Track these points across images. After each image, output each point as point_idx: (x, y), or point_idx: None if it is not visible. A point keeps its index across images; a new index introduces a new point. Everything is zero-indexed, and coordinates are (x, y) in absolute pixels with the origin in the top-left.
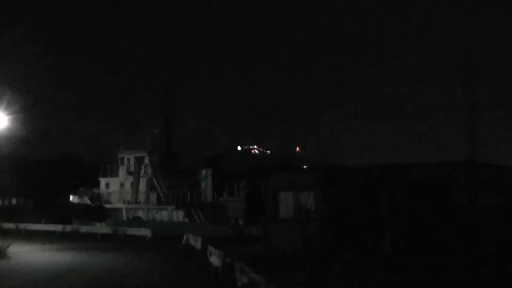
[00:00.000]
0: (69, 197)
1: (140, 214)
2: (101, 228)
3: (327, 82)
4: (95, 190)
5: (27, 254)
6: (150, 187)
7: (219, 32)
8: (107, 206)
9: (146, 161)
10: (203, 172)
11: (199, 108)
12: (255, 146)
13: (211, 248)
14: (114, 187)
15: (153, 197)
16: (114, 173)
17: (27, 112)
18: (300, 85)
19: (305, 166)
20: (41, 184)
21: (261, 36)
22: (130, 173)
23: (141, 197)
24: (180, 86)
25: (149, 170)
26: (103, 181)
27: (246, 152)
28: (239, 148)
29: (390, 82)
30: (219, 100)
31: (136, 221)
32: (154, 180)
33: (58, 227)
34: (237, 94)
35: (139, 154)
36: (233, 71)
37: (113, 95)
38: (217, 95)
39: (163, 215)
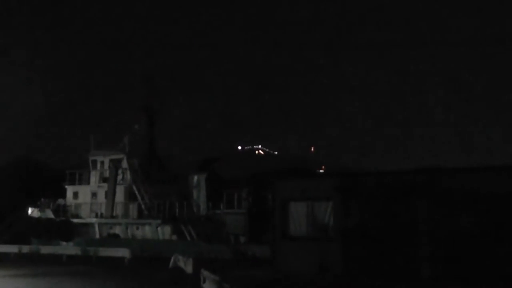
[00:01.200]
0: (27, 210)
1: (117, 230)
2: (67, 248)
3: (343, 79)
4: (60, 201)
5: None
6: (130, 197)
7: (221, 21)
8: (76, 221)
9: (124, 164)
10: (195, 178)
11: (191, 102)
12: (260, 146)
13: (205, 273)
14: (84, 197)
15: (133, 209)
16: (84, 180)
17: None
18: (314, 78)
19: (321, 171)
20: None
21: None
22: (104, 179)
23: (118, 210)
24: (168, 75)
25: (128, 175)
26: (70, 190)
27: (249, 153)
28: (239, 148)
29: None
30: (216, 92)
31: (112, 240)
32: (134, 188)
33: (12, 248)
34: (238, 84)
35: (115, 156)
36: (233, 57)
37: (86, 90)
38: (214, 86)
39: (146, 231)
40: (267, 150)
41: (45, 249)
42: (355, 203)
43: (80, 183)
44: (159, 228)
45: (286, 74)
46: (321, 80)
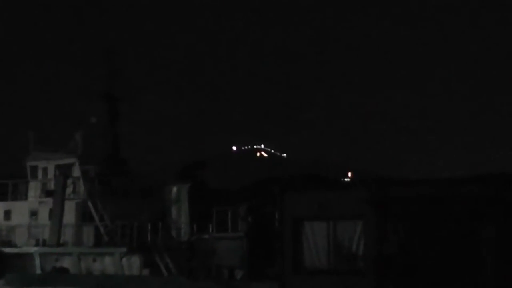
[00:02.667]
0: None
1: (66, 263)
2: None
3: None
4: None
5: None
6: (83, 217)
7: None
8: (8, 250)
9: (76, 172)
10: (174, 190)
11: (167, 90)
12: (262, 146)
13: None
14: (20, 218)
15: (89, 234)
16: (19, 194)
17: None
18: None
19: (347, 179)
20: None
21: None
22: (48, 193)
23: (68, 235)
24: (139, 57)
25: (81, 187)
26: (0, 208)
27: (247, 155)
28: (234, 149)
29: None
30: (202, 79)
31: (59, 276)
32: (90, 204)
33: None
34: (232, 68)
35: (63, 161)
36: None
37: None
38: (199, 71)
39: (106, 264)
40: (272, 151)
41: None
42: (394, 223)
43: (14, 199)
44: (124, 260)
45: (297, 56)
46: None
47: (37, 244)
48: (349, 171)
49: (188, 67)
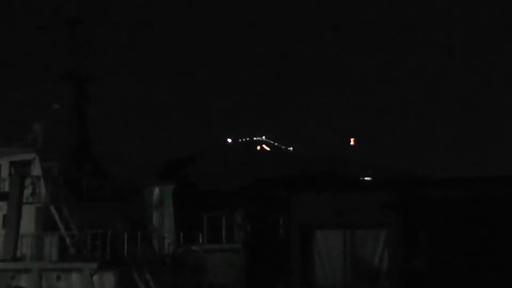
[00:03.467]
0: None
1: (24, 282)
2: None
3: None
4: None
5: None
6: (45, 225)
7: None
8: None
9: (36, 170)
10: (156, 192)
11: (150, 70)
12: (263, 138)
13: None
14: None
15: (52, 245)
16: None
17: None
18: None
19: (367, 178)
20: None
21: None
22: (1, 196)
23: (26, 247)
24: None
25: (43, 189)
26: None
27: (245, 149)
28: (229, 141)
29: None
30: (189, 57)
31: None
32: (53, 210)
33: None
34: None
35: (19, 157)
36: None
37: None
38: (187, 47)
39: (73, 282)
40: (275, 144)
41: None
42: (425, 232)
43: None
44: (95, 277)
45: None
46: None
47: None
48: (370, 169)
49: (172, 44)
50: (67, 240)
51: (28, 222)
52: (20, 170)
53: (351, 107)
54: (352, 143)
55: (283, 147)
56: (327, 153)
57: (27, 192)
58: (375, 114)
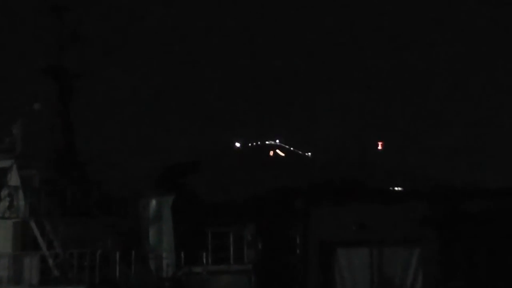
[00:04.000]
0: None
1: None
2: None
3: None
4: None
5: None
6: (25, 243)
7: None
8: None
9: (14, 179)
10: (153, 204)
11: (146, 64)
12: (277, 142)
13: None
14: None
15: (32, 266)
16: None
17: None
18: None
19: (398, 188)
20: None
21: None
22: None
23: (2, 269)
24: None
25: (21, 201)
26: None
27: (256, 154)
28: (237, 145)
29: None
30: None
31: None
32: (33, 225)
33: None
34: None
35: None
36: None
37: None
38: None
39: None
40: (291, 148)
41: None
42: (465, 250)
43: None
44: None
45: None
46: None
47: None
48: (400, 178)
49: (170, 35)
50: (50, 260)
51: (4, 240)
52: None
53: (378, 106)
54: (380, 147)
55: (300, 152)
56: (351, 159)
57: (3, 205)
58: (407, 115)
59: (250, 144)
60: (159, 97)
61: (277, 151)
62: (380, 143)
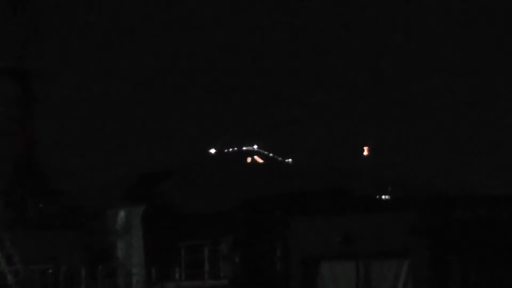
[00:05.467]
0: None
1: None
2: None
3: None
4: None
5: None
6: None
7: None
8: None
9: None
10: (121, 215)
11: (112, 66)
12: (255, 148)
13: None
14: None
15: None
16: None
17: None
18: None
19: (385, 196)
20: None
21: None
22: None
23: None
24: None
25: None
26: None
27: (233, 161)
28: (213, 152)
29: None
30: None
31: None
32: None
33: None
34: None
35: None
36: None
37: None
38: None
39: None
40: (270, 154)
41: None
42: (458, 261)
43: None
44: None
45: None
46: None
47: None
48: (388, 185)
49: (142, 32)
50: (9, 277)
51: None
52: None
53: (364, 108)
54: (365, 152)
55: (279, 158)
56: (335, 166)
57: None
58: (395, 118)
59: (226, 151)
60: (129, 101)
61: (255, 157)
62: (366, 148)
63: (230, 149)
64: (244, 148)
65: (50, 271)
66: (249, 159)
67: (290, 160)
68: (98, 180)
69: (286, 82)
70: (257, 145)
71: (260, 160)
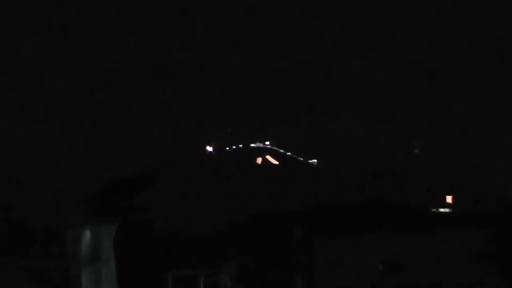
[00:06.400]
0: None
1: None
2: None
3: None
4: None
5: None
6: None
7: None
8: None
9: None
10: (87, 236)
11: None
12: (266, 144)
13: None
14: None
15: None
16: None
17: None
18: None
19: (443, 210)
20: None
21: None
22: None
23: None
24: None
25: None
26: None
27: (236, 161)
28: (209, 149)
29: None
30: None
31: None
32: None
33: None
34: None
35: None
36: None
37: None
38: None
39: None
40: (288, 153)
41: None
42: None
43: None
44: None
45: None
46: None
47: None
48: (447, 192)
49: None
50: None
51: None
52: None
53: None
54: (416, 150)
55: (300, 158)
56: (374, 168)
57: None
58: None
59: (227, 148)
60: (98, 81)
61: (268, 157)
62: (416, 146)
63: (234, 146)
64: (252, 145)
65: None
66: (259, 160)
67: (314, 161)
68: (55, 189)
69: (310, 62)
70: (270, 141)
71: (274, 161)
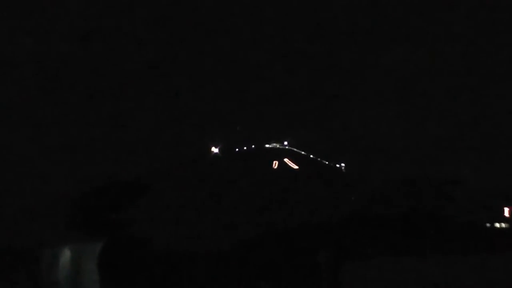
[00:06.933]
0: None
1: None
2: None
3: None
4: None
5: None
6: None
7: None
8: None
9: None
10: (66, 256)
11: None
12: (285, 144)
13: None
14: None
15: None
16: None
17: None
18: None
19: (500, 225)
20: None
21: None
22: None
23: None
24: None
25: None
26: None
27: (247, 165)
28: (215, 150)
29: None
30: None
31: None
32: None
33: None
34: None
35: None
36: None
37: None
38: None
39: None
40: (310, 156)
41: None
42: None
43: None
44: None
45: None
46: None
47: None
48: (506, 203)
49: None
50: None
51: None
52: None
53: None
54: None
55: (325, 162)
56: (414, 175)
57: None
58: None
59: (237, 150)
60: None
61: (286, 160)
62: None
63: (245, 147)
64: (267, 145)
65: None
66: (275, 163)
67: (342, 165)
68: (29, 200)
69: (334, 53)
70: (288, 141)
71: (293, 165)
